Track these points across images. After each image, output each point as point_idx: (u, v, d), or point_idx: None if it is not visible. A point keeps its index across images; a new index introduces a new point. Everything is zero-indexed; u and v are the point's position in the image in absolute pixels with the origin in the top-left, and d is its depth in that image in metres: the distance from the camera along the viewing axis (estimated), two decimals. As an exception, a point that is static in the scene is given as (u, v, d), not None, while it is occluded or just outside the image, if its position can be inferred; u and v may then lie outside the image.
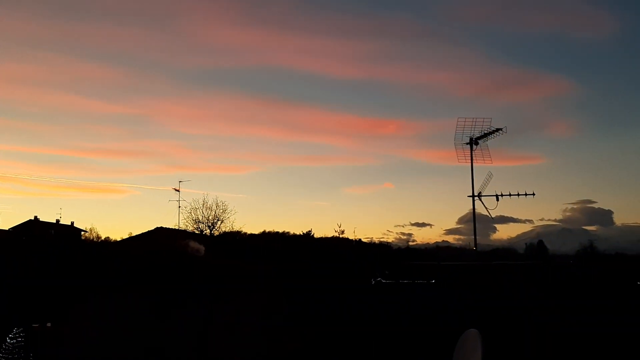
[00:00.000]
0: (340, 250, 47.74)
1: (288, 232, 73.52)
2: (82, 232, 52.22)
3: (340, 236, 46.03)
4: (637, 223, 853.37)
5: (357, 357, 11.51)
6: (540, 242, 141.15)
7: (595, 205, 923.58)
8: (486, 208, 13.82)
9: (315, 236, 58.85)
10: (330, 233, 58.61)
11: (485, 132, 14.09)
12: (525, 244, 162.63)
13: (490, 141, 14.38)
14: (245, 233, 59.81)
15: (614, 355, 11.18)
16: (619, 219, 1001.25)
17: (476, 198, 14.32)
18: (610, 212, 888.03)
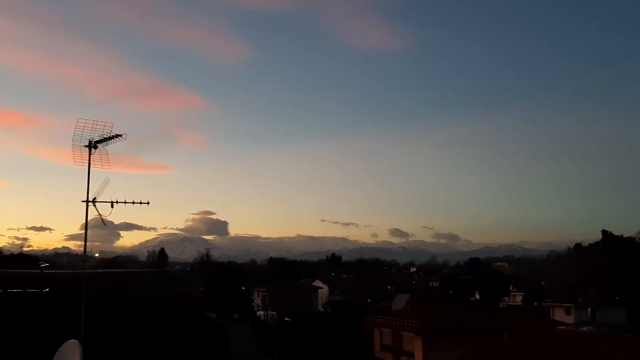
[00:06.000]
0: None
1: None
2: None
3: None
4: (247, 234, 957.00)
5: None
6: (162, 250, 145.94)
7: (214, 216, 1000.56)
8: (100, 215, 13.50)
9: None
10: None
11: (106, 136, 13.75)
12: (148, 251, 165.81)
13: (111, 147, 14.06)
14: None
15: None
16: (233, 230, 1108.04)
17: (91, 204, 13.81)
18: (226, 223, 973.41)
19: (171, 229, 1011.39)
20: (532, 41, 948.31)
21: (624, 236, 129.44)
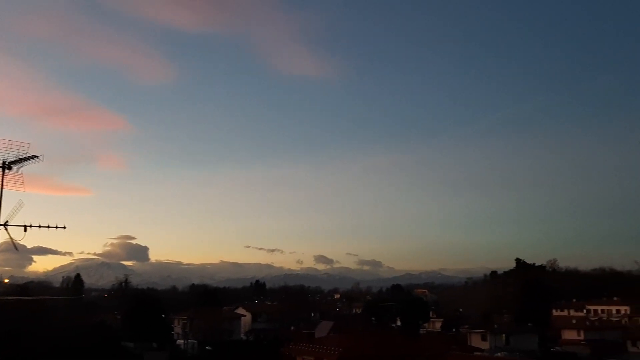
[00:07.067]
0: None
1: None
2: None
3: None
4: (168, 260, 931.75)
5: None
6: (78, 275, 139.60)
7: (134, 241, 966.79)
8: (12, 239, 12.93)
9: None
10: None
11: (21, 157, 13.24)
12: (63, 277, 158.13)
13: (27, 167, 13.52)
14: None
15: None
16: (154, 255, 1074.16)
17: (2, 227, 13.22)
18: (146, 249, 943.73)
19: (88, 253, 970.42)
20: (452, 75, 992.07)
21: (536, 264, 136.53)
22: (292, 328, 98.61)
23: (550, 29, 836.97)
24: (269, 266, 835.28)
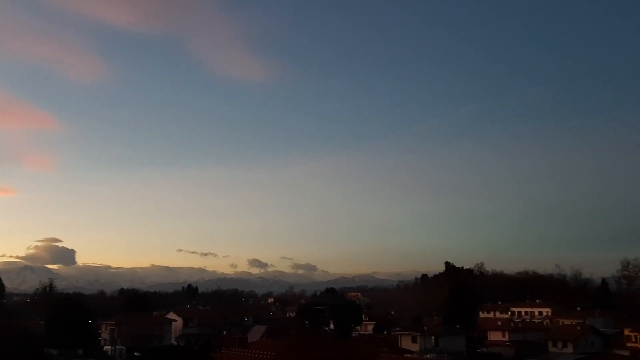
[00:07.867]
0: None
1: None
2: None
3: None
4: (97, 263, 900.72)
5: None
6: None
7: (60, 244, 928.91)
8: None
9: None
10: None
11: (-63, 156, 12.46)
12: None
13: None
14: None
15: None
16: (81, 259, 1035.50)
17: None
18: (73, 252, 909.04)
19: (10, 256, 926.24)
20: (388, 80, 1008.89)
21: (465, 268, 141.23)
22: (225, 333, 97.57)
23: (483, 41, 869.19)
24: (201, 270, 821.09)
